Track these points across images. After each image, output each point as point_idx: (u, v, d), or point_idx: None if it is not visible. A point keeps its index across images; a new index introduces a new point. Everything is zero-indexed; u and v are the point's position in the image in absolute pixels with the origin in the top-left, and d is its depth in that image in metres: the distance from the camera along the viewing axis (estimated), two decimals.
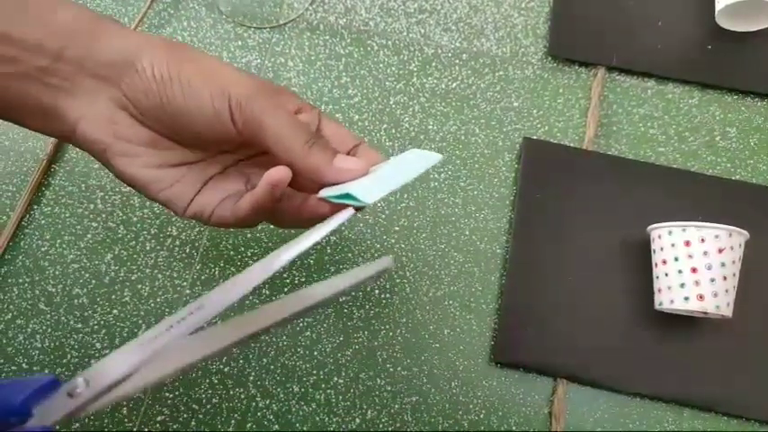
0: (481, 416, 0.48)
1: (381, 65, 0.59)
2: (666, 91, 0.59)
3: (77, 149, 0.55)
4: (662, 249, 0.48)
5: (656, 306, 0.49)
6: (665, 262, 0.48)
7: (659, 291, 0.48)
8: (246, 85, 0.31)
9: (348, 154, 0.35)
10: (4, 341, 0.49)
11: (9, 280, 0.51)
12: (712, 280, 0.46)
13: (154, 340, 0.27)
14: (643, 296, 0.51)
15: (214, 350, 0.29)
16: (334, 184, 0.33)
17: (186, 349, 0.29)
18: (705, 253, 0.46)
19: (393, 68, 0.59)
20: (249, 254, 0.52)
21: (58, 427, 0.26)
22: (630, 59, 0.59)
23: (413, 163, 0.34)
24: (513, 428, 0.48)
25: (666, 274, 0.48)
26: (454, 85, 0.59)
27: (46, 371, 0.48)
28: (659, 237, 0.49)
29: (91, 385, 0.26)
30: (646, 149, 0.57)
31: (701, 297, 0.46)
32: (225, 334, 0.30)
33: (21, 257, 0.51)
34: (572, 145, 0.56)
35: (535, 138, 0.57)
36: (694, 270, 0.46)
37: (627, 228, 0.53)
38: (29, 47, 0.29)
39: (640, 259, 0.51)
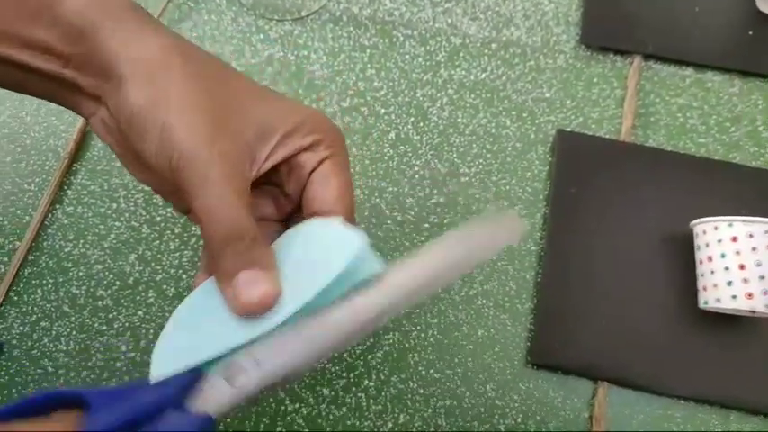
0: (518, 420, 0.46)
1: (407, 56, 0.58)
2: (706, 79, 0.57)
3: (98, 147, 0.54)
4: (707, 246, 0.46)
5: (701, 305, 0.47)
6: (710, 259, 0.46)
7: (704, 289, 0.46)
8: (202, 148, 0.26)
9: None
10: (30, 343, 0.48)
11: (33, 281, 0.50)
12: (761, 277, 0.43)
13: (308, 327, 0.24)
14: (686, 294, 0.48)
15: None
16: None
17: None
18: (754, 249, 0.44)
19: (420, 60, 0.57)
20: None
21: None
22: (667, 47, 0.57)
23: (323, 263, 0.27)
24: None
25: (712, 272, 0.45)
26: (483, 75, 0.57)
27: (71, 374, 0.47)
28: (704, 232, 0.47)
29: (261, 366, 0.24)
30: (685, 141, 0.54)
31: (749, 295, 0.43)
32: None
33: (44, 258, 0.51)
34: (608, 137, 0.54)
35: (569, 130, 0.54)
36: (742, 267, 0.44)
37: (667, 223, 0.50)
38: (38, 47, 0.28)
39: (682, 256, 0.49)
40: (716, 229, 0.45)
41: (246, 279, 0.26)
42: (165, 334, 0.28)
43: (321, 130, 0.30)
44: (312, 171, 0.30)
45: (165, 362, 0.26)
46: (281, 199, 0.33)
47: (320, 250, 0.27)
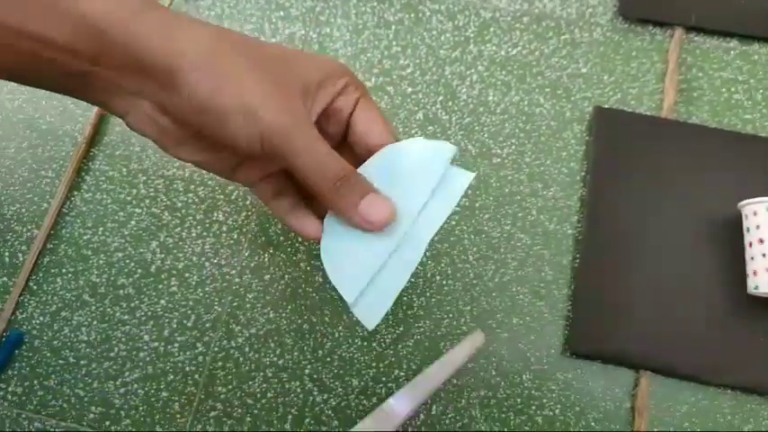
0: (556, 411, 0.44)
1: (435, 32, 0.55)
2: (752, 51, 0.53)
3: (116, 132, 0.52)
4: (758, 227, 0.43)
5: (750, 290, 0.44)
6: (761, 241, 0.43)
7: (754, 273, 0.44)
8: (283, 116, 0.30)
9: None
10: (50, 334, 0.47)
11: (52, 270, 0.48)
12: None
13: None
14: (734, 279, 0.46)
15: None
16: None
17: None
18: None
19: (447, 35, 0.55)
20: (299, 240, 0.49)
21: None
22: (711, 18, 0.53)
23: (430, 169, 0.34)
24: (593, 425, 0.44)
25: (764, 255, 0.43)
26: (515, 51, 0.54)
27: (93, 365, 0.46)
28: (754, 213, 0.44)
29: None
30: (730, 117, 0.51)
31: None
32: None
33: (63, 246, 0.49)
34: (648, 113, 0.51)
35: (607, 107, 0.52)
36: None
37: (713, 204, 0.48)
38: (62, 48, 0.28)
39: (730, 238, 0.47)
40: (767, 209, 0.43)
41: (368, 204, 0.32)
42: (331, 273, 0.34)
43: (347, 74, 0.34)
44: (351, 112, 0.35)
45: (351, 287, 0.33)
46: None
47: (420, 160, 0.34)
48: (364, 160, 0.34)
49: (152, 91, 0.30)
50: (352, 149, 0.36)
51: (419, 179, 0.33)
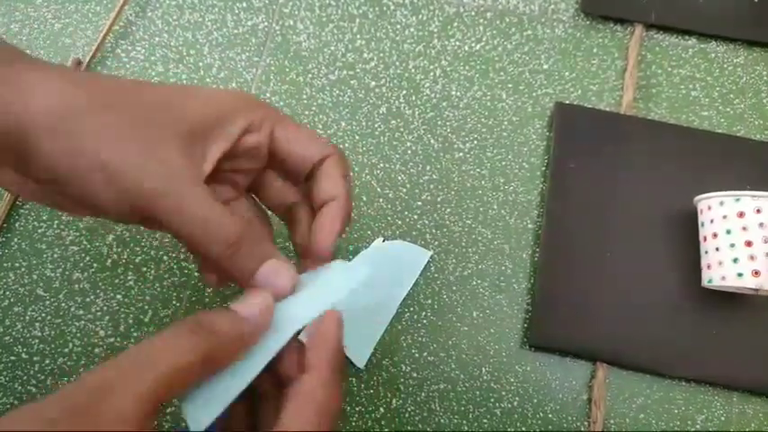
0: (515, 403, 0.44)
1: (399, 26, 0.55)
2: (709, 50, 0.54)
3: None
4: (711, 222, 0.44)
5: (704, 283, 0.45)
6: (715, 235, 0.44)
7: (708, 267, 0.44)
8: (152, 174, 0.25)
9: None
10: (2, 330, 0.46)
11: (4, 264, 0.47)
12: None
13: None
14: (689, 273, 0.47)
15: None
16: None
17: None
18: (761, 225, 0.42)
19: (411, 30, 0.55)
20: None
21: None
22: (670, 16, 0.54)
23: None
24: (550, 416, 0.44)
25: (717, 249, 0.44)
26: (478, 46, 0.54)
27: (47, 361, 0.45)
28: (709, 208, 0.45)
29: None
30: (688, 113, 0.52)
31: (756, 273, 0.42)
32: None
33: (16, 240, 0.48)
34: (608, 109, 0.52)
35: (568, 102, 0.52)
36: (749, 244, 0.42)
37: (670, 199, 0.48)
38: None
39: (685, 233, 0.47)
40: (721, 204, 0.44)
41: (267, 272, 0.28)
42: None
43: (250, 109, 0.29)
44: (269, 148, 0.31)
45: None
46: (236, 176, 0.32)
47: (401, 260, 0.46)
48: (300, 175, 0.32)
49: (8, 159, 0.26)
50: (288, 174, 0.33)
51: (402, 275, 0.46)
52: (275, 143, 0.31)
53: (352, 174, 0.49)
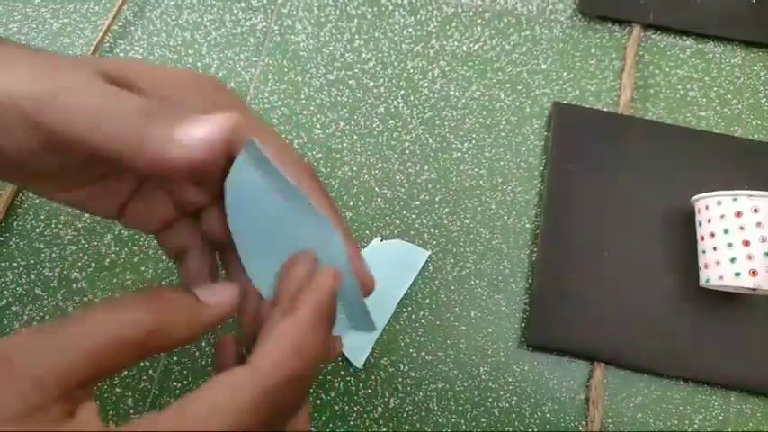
0: (512, 403, 0.44)
1: (397, 26, 0.55)
2: (707, 50, 0.55)
3: None
4: (709, 221, 0.44)
5: (702, 283, 0.45)
6: (712, 235, 0.44)
7: (705, 266, 0.44)
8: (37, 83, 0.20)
9: None
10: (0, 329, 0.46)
11: (2, 263, 0.47)
12: (767, 253, 0.42)
13: None
14: (687, 272, 0.47)
15: None
16: None
17: None
18: (759, 224, 0.42)
19: (410, 30, 0.55)
20: None
21: None
22: (668, 16, 0.55)
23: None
24: (548, 416, 0.44)
25: (714, 249, 0.44)
26: (476, 46, 0.54)
27: None
28: (706, 208, 0.45)
29: None
30: (685, 114, 0.52)
31: (753, 272, 0.42)
32: None
33: (14, 239, 0.48)
34: (606, 110, 0.52)
35: (565, 102, 0.52)
36: (746, 243, 0.42)
37: (667, 199, 0.48)
38: None
39: (683, 232, 0.47)
40: (719, 203, 0.44)
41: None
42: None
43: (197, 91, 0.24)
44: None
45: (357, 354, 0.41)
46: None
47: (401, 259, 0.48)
48: None
49: None
50: None
51: (400, 275, 0.47)
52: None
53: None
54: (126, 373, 0.44)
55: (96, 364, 0.19)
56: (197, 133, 0.20)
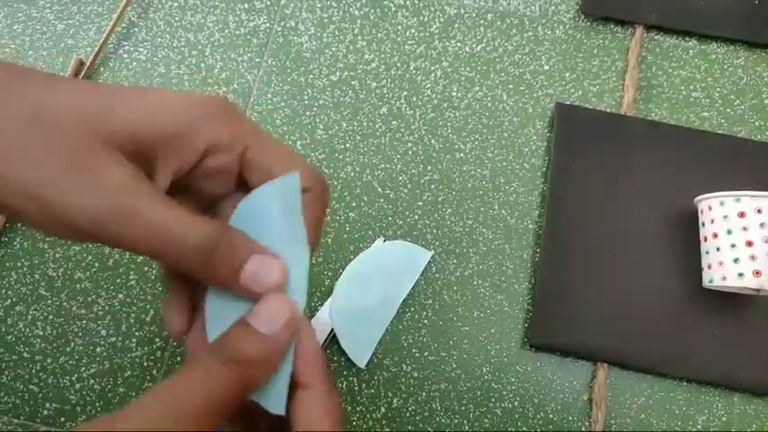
0: (515, 403, 0.44)
1: (400, 27, 0.55)
2: (710, 51, 0.55)
3: None
4: (712, 222, 0.44)
5: (705, 283, 0.45)
6: (715, 235, 0.44)
7: (709, 267, 0.44)
8: (90, 188, 0.20)
9: None
10: (4, 329, 0.46)
11: (7, 264, 0.47)
12: None
13: None
14: (690, 273, 0.47)
15: None
16: None
17: None
18: (762, 225, 0.42)
19: (412, 31, 0.55)
20: None
21: None
22: (671, 17, 0.55)
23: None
24: (551, 416, 0.44)
25: (718, 249, 0.44)
26: (479, 47, 0.54)
27: (48, 360, 0.45)
28: (709, 208, 0.45)
29: None
30: (688, 114, 0.52)
31: (757, 273, 0.42)
32: None
33: (19, 239, 0.48)
34: (609, 110, 0.52)
35: (568, 103, 0.52)
36: (750, 243, 0.42)
37: (670, 199, 0.48)
38: None
39: (686, 233, 0.47)
40: (722, 204, 0.44)
41: (256, 265, 0.23)
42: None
43: (213, 122, 0.23)
44: (239, 171, 0.25)
45: (360, 354, 0.44)
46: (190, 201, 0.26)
47: (404, 260, 0.48)
48: None
49: None
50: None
51: (403, 276, 0.47)
52: (247, 166, 0.25)
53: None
54: (129, 372, 0.45)
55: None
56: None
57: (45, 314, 0.46)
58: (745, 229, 0.42)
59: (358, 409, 0.44)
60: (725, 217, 0.43)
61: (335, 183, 0.50)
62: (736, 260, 0.42)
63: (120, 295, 0.47)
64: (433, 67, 0.54)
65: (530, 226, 0.49)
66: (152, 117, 0.22)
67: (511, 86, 0.53)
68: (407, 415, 0.44)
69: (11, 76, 0.21)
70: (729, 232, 0.43)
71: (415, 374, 0.45)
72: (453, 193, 0.50)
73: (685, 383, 0.45)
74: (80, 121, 0.21)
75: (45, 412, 0.44)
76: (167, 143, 0.22)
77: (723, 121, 0.52)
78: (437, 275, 0.48)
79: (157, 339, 0.46)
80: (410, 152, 0.51)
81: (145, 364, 0.45)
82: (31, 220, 0.21)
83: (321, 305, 0.46)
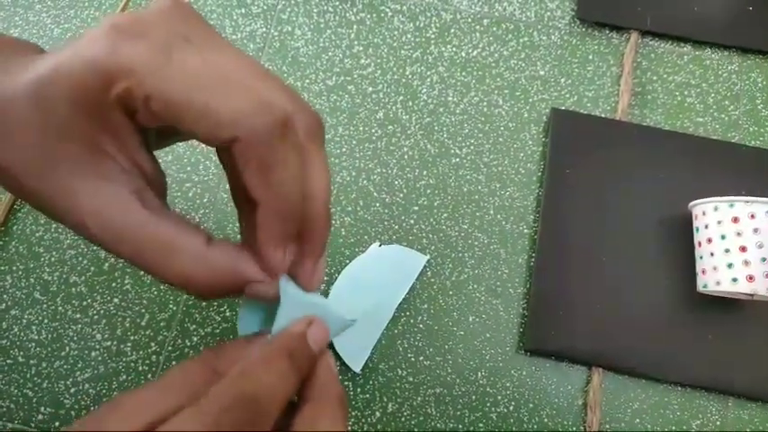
0: (510, 408, 0.45)
1: (396, 32, 0.55)
2: (704, 57, 0.55)
3: None
4: (706, 227, 0.44)
5: (699, 288, 0.45)
6: (710, 241, 0.44)
7: (703, 272, 0.45)
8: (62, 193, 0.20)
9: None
10: None
11: (2, 267, 0.47)
12: (764, 259, 0.42)
13: None
14: (684, 278, 0.47)
15: None
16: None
17: None
18: (756, 230, 0.42)
19: (409, 36, 0.55)
20: None
21: None
22: (666, 23, 0.55)
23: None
24: (546, 421, 0.44)
25: (712, 254, 0.44)
26: (475, 53, 0.55)
27: (43, 365, 0.45)
28: (703, 213, 0.45)
29: None
30: (683, 120, 0.53)
31: (751, 278, 0.42)
32: None
33: (14, 243, 0.48)
34: (604, 116, 0.52)
35: (564, 108, 0.52)
36: (743, 249, 0.42)
37: (665, 204, 0.49)
38: None
39: (681, 238, 0.48)
40: (716, 209, 0.44)
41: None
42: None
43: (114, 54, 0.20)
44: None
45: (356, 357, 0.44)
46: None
47: (399, 264, 0.48)
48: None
49: None
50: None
51: (398, 280, 0.47)
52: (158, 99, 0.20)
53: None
54: (124, 377, 0.45)
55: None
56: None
57: (40, 318, 0.46)
58: (738, 234, 0.43)
59: (353, 413, 0.44)
60: (719, 222, 0.44)
61: (331, 187, 0.50)
62: (729, 265, 0.43)
63: (116, 299, 0.47)
64: (428, 72, 0.54)
65: (525, 231, 0.49)
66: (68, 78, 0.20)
67: (506, 92, 0.53)
68: (402, 419, 0.44)
69: None
70: (723, 237, 0.43)
71: (411, 379, 0.45)
72: (449, 197, 0.50)
73: (680, 388, 0.45)
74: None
75: (40, 416, 0.44)
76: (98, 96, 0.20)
77: (717, 126, 0.52)
78: (432, 280, 0.48)
79: (152, 344, 0.45)
80: (406, 156, 0.51)
81: (140, 368, 0.45)
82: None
83: None
